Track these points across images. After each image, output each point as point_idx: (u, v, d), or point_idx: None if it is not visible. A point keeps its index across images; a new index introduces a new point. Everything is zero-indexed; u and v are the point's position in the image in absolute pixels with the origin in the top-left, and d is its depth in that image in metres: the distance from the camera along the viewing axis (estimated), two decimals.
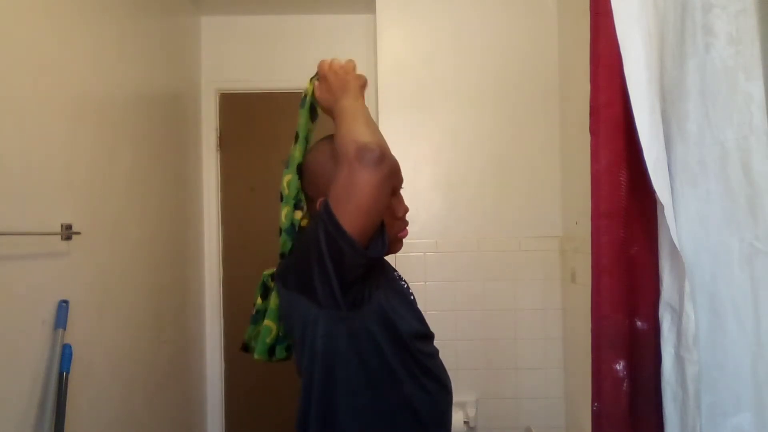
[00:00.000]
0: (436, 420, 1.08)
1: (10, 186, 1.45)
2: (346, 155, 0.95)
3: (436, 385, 1.09)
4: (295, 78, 3.20)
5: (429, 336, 1.14)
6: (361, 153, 0.93)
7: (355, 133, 0.98)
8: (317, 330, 1.01)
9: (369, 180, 0.92)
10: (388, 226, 1.11)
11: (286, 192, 1.14)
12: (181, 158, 2.80)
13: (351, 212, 0.93)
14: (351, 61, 1.17)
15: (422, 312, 1.17)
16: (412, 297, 1.19)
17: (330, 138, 1.16)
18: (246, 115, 3.18)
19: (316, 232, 0.96)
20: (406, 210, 1.18)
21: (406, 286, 1.22)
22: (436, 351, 1.15)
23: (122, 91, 2.11)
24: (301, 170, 1.16)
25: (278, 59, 3.15)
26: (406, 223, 1.19)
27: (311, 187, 1.14)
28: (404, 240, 1.20)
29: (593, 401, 1.06)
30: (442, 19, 2.73)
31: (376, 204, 0.96)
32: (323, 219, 0.96)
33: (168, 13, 2.70)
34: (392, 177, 1.01)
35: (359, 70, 1.17)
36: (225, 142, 3.16)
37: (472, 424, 2.56)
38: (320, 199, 1.07)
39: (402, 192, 1.19)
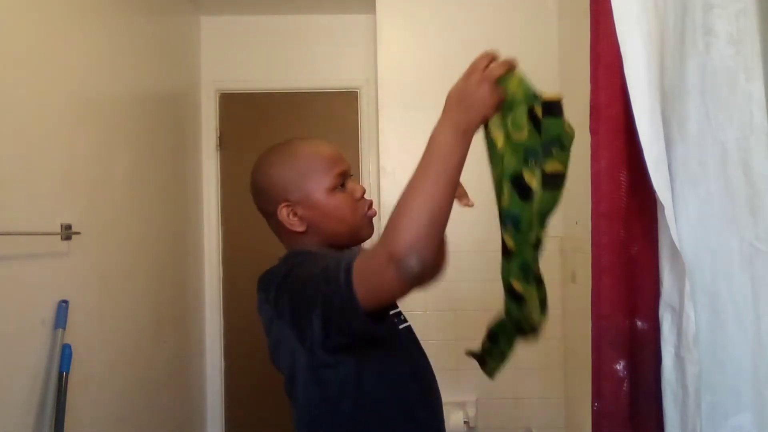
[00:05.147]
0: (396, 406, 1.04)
1: (10, 186, 1.45)
2: (391, 244, 0.80)
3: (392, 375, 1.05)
4: (295, 78, 3.23)
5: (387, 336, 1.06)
6: (404, 262, 0.79)
7: (418, 223, 0.80)
8: (303, 364, 0.99)
9: (396, 288, 0.83)
10: (351, 210, 1.08)
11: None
12: (181, 158, 2.80)
13: (369, 295, 0.85)
14: (508, 62, 0.93)
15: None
16: (402, 326, 1.13)
17: (271, 148, 1.14)
18: (246, 115, 3.19)
19: (329, 291, 0.88)
20: (363, 190, 1.13)
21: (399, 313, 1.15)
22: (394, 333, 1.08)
23: (122, 91, 2.11)
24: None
25: (278, 59, 3.15)
26: (370, 202, 1.14)
27: (267, 204, 1.10)
28: None
29: (593, 401, 1.06)
30: (442, 18, 2.73)
31: (394, 299, 0.90)
32: (340, 287, 0.85)
33: (167, 13, 2.70)
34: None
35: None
36: (225, 142, 3.16)
37: (472, 424, 2.56)
38: (281, 206, 1.06)
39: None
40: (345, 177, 1.10)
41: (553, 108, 0.92)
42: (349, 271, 0.85)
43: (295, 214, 1.07)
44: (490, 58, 0.93)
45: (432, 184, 0.83)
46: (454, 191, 0.86)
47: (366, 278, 0.84)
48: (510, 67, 0.93)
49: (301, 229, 1.08)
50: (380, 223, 0.89)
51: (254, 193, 1.14)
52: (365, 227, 1.12)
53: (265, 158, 1.13)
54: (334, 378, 0.99)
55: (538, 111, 0.92)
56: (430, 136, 0.88)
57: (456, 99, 0.92)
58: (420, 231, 0.79)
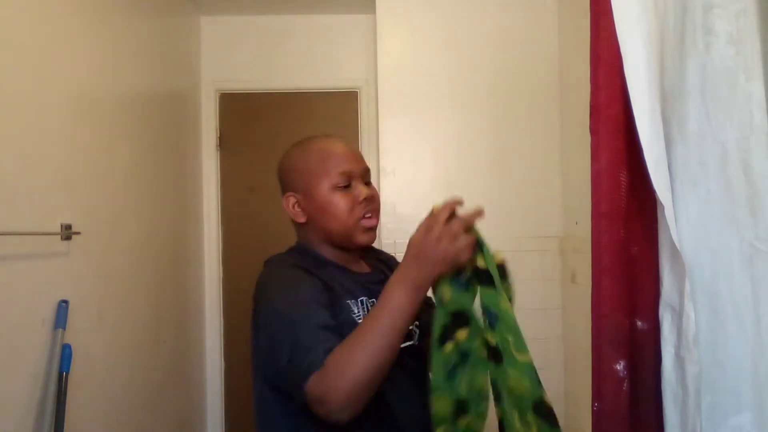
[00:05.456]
0: None
1: (10, 186, 1.45)
2: (330, 392, 0.83)
3: None
4: (295, 78, 3.23)
5: None
6: (335, 414, 0.84)
7: (359, 380, 0.83)
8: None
9: (323, 416, 0.86)
10: (347, 211, 1.07)
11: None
12: (181, 158, 2.80)
13: (313, 404, 0.87)
14: (470, 218, 0.93)
15: None
16: None
17: (294, 143, 1.16)
18: (246, 115, 3.19)
19: (290, 366, 0.90)
20: (368, 194, 1.09)
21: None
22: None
23: (122, 91, 2.11)
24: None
25: (278, 59, 3.15)
26: (370, 209, 1.10)
27: (282, 192, 1.15)
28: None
29: (593, 401, 1.06)
30: (442, 19, 2.72)
31: None
32: (298, 376, 0.87)
33: (168, 13, 2.70)
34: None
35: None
36: (225, 142, 3.16)
37: None
38: (287, 195, 1.12)
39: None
40: (350, 177, 1.09)
41: (504, 270, 1.01)
42: (308, 373, 0.86)
43: (298, 205, 1.11)
44: (451, 209, 0.93)
45: (379, 341, 0.86)
46: (400, 341, 0.89)
47: (314, 395, 0.86)
48: (472, 222, 0.94)
49: (302, 219, 1.12)
50: (380, 226, 0.89)
51: (283, 176, 1.17)
52: (359, 233, 1.10)
53: (286, 151, 1.18)
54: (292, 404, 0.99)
55: (493, 271, 0.97)
56: (386, 286, 0.91)
57: (415, 253, 0.92)
58: (358, 387, 0.83)
